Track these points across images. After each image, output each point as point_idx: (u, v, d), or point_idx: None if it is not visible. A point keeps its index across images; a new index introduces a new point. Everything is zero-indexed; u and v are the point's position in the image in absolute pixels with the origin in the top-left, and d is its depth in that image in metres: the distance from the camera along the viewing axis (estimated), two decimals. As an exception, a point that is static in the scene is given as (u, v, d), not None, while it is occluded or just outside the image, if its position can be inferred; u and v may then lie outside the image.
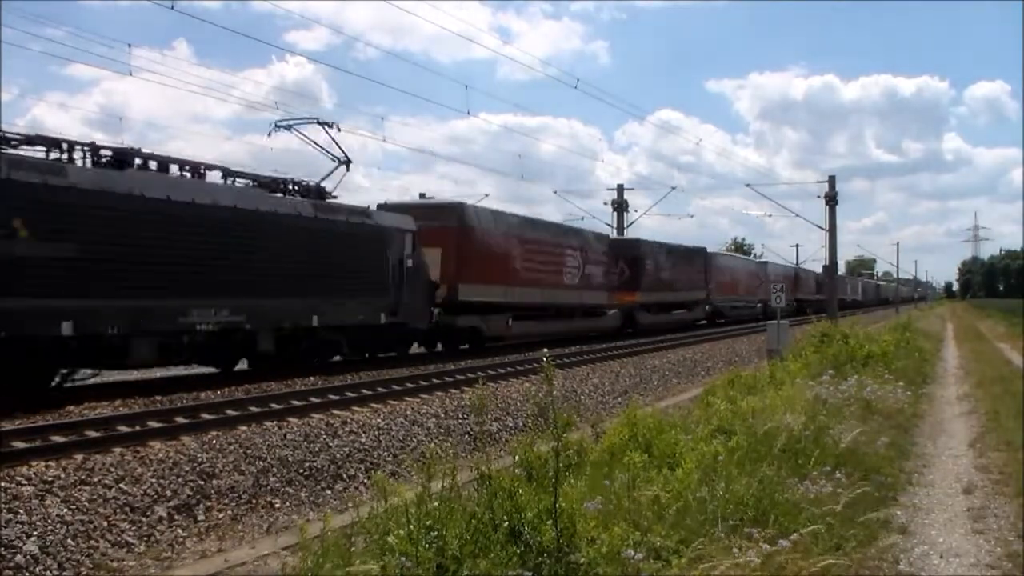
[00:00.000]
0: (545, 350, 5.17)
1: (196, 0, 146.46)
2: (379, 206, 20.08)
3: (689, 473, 5.98)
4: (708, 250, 41.87)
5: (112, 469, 8.15)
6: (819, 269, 50.72)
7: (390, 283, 17.63)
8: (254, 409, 11.43)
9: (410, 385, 14.61)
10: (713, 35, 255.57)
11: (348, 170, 18.22)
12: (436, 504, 4.30)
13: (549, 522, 4.25)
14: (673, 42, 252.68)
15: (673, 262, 36.04)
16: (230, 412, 11.15)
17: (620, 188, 42.34)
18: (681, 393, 17.73)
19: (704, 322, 41.83)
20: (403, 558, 3.89)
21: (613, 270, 30.81)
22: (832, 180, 37.87)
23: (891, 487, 7.19)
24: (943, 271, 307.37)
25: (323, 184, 17.49)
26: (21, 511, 6.93)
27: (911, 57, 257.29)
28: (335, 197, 17.66)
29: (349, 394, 13.23)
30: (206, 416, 10.83)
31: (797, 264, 71.25)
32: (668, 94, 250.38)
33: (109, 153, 12.92)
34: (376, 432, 11.13)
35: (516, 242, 23.67)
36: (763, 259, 56.66)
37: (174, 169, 14.02)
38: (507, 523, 4.26)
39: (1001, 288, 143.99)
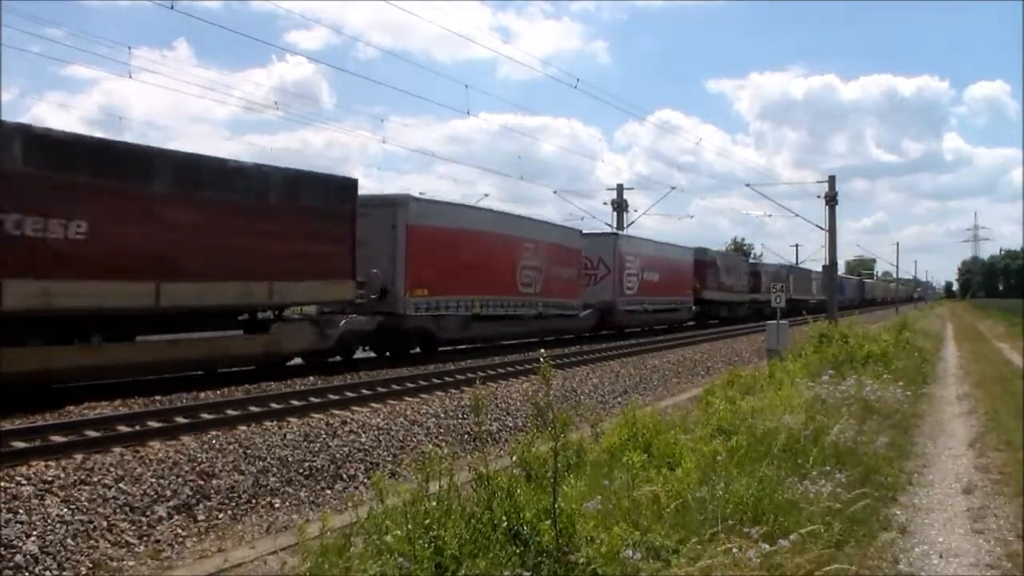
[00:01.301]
0: (542, 350, 5.15)
1: (196, 0, 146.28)
2: None
3: (689, 473, 5.98)
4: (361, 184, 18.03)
5: (112, 469, 8.16)
6: (819, 269, 49.23)
7: None
8: (254, 409, 11.44)
9: (410, 385, 14.61)
10: (713, 35, 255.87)
11: None
12: (433, 504, 4.30)
13: (548, 522, 4.25)
14: (673, 42, 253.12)
15: (159, 195, 13.22)
16: (230, 412, 11.17)
17: (620, 188, 42.37)
18: (681, 393, 17.72)
19: (338, 358, 17.74)
20: (401, 559, 3.89)
21: None
22: (832, 180, 37.91)
23: (891, 487, 7.18)
24: (943, 271, 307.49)
25: None
26: (21, 511, 6.94)
27: (911, 57, 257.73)
28: None
29: (349, 394, 13.24)
30: (206, 416, 10.84)
31: (797, 264, 66.79)
32: (668, 94, 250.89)
33: None
34: (376, 432, 11.13)
35: None
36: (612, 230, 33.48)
37: None
38: (506, 523, 4.26)
39: (1001, 288, 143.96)
